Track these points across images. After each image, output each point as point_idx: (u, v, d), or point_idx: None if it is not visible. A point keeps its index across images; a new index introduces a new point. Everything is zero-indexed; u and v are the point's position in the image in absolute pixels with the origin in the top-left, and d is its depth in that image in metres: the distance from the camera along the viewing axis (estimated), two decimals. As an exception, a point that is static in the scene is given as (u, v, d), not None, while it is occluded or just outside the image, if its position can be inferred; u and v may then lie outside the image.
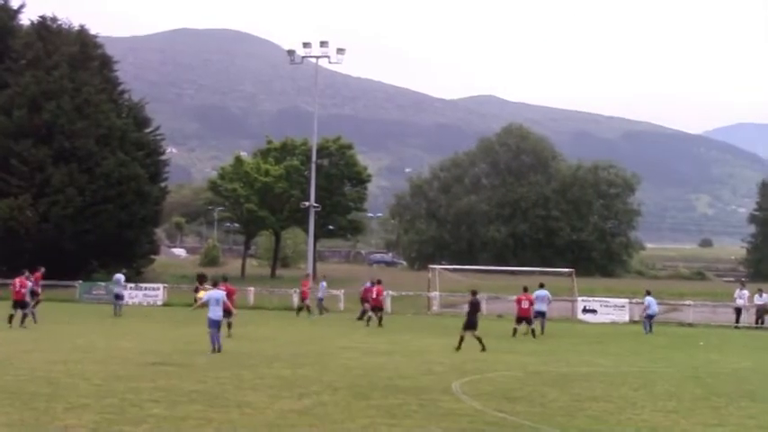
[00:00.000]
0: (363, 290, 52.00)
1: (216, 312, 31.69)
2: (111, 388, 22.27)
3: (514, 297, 48.80)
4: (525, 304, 42.08)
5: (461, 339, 34.95)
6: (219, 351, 31.07)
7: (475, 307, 36.23)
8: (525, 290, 42.87)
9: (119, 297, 52.54)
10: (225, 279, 39.49)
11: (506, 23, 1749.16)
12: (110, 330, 39.86)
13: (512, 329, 42.32)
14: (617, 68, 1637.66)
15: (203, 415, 19.01)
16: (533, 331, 42.02)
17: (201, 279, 40.71)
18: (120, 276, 53.85)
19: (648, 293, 51.06)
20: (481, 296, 60.38)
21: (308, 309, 54.64)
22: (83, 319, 47.41)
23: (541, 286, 45.64)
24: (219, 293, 32.65)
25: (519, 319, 42.38)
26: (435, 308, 59.38)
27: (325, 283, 57.35)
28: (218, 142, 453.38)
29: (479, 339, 34.71)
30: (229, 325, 36.62)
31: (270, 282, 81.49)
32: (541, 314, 43.84)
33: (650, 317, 49.27)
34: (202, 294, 55.04)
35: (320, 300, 56.21)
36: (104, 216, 75.54)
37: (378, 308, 48.78)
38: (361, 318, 50.38)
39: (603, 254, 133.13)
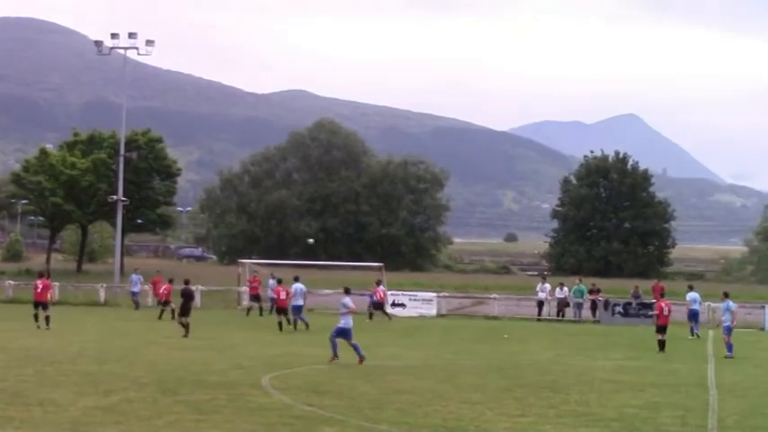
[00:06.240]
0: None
1: None
2: None
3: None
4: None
5: (184, 326, 37.84)
6: None
7: (188, 295, 38.88)
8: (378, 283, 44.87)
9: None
10: (41, 274, 43.67)
11: (318, 17, 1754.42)
12: None
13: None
14: (422, 65, 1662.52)
15: (3, 414, 18.52)
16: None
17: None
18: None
19: (691, 288, 46.85)
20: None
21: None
22: None
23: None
24: None
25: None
26: (245, 302, 58.80)
27: (140, 277, 57.45)
28: (23, 134, 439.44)
29: (186, 326, 37.58)
30: (47, 319, 38.95)
31: (76, 276, 79.49)
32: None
33: (694, 314, 44.90)
34: None
35: (134, 293, 56.33)
36: None
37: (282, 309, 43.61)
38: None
39: (412, 248, 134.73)
